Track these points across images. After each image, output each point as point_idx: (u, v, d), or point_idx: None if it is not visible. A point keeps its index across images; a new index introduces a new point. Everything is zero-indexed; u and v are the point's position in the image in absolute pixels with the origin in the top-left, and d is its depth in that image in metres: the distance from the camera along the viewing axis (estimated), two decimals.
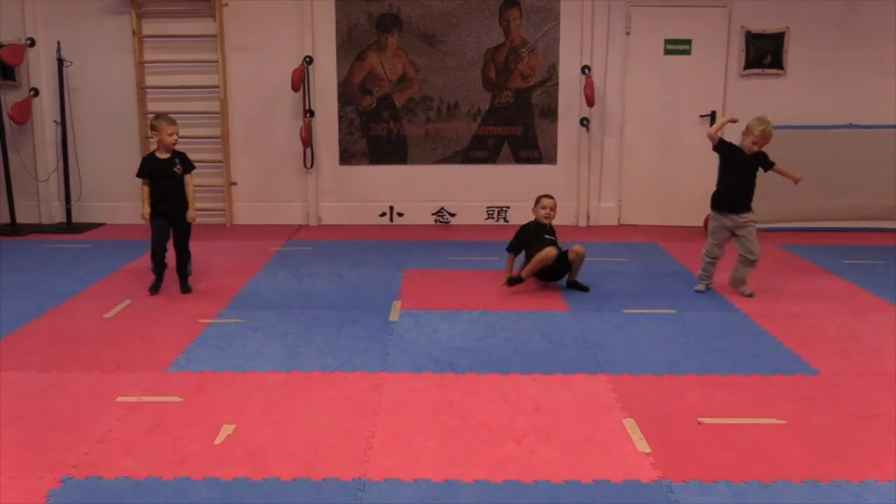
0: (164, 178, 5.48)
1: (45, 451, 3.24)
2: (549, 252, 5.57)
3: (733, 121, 5.66)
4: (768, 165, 5.59)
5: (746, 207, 5.56)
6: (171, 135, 5.47)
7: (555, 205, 5.88)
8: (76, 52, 7.97)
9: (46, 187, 8.28)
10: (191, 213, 5.61)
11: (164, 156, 5.51)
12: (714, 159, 8.17)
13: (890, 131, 7.99)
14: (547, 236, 5.80)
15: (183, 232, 5.62)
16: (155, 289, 5.59)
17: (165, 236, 5.56)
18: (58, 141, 8.11)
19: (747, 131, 5.50)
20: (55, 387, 3.91)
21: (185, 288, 5.63)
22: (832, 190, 7.97)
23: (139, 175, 5.54)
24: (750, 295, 5.54)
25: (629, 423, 3.51)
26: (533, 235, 5.81)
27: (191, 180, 5.62)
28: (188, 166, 5.61)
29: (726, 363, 4.27)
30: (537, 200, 5.92)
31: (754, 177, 5.58)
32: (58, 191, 8.25)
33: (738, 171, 5.55)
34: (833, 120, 8.04)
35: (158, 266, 5.58)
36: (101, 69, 8.05)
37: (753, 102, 8.04)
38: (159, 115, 5.59)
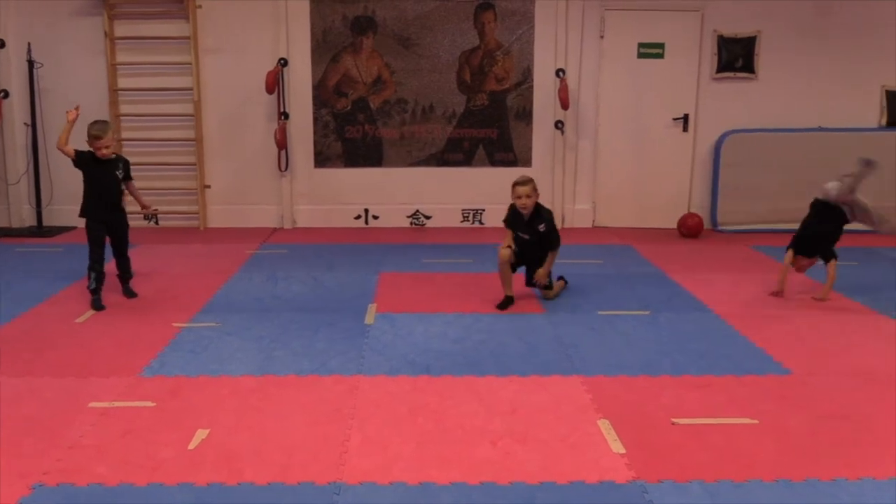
0: (104, 179, 5.30)
1: (16, 457, 3.19)
2: (502, 254, 5.35)
3: None
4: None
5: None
6: (98, 149, 5.20)
7: (531, 191, 5.28)
8: (47, 54, 7.89)
9: (17, 190, 8.17)
10: (147, 203, 5.56)
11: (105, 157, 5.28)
12: (686, 162, 8.29)
13: (859, 134, 8.11)
14: (521, 234, 5.41)
15: (122, 237, 5.49)
16: (98, 302, 5.28)
17: (104, 243, 5.38)
18: (28, 143, 8.01)
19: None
20: (26, 392, 3.86)
21: (130, 293, 5.55)
22: (802, 192, 7.99)
23: (77, 164, 5.28)
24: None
25: (604, 425, 3.53)
26: (513, 221, 5.47)
27: (133, 184, 5.52)
28: (128, 174, 5.45)
29: (700, 364, 4.31)
30: (513, 187, 5.39)
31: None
32: (28, 194, 8.15)
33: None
34: (803, 123, 8.15)
35: (99, 278, 5.32)
36: (72, 71, 7.96)
37: (725, 106, 8.16)
38: (93, 123, 5.25)
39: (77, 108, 5.40)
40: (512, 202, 5.42)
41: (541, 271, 5.38)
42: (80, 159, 5.30)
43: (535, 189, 5.32)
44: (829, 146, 8.04)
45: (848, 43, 8.08)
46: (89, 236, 5.38)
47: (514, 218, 5.46)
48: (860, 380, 4.09)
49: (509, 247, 5.36)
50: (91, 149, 5.26)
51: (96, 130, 5.21)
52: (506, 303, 5.37)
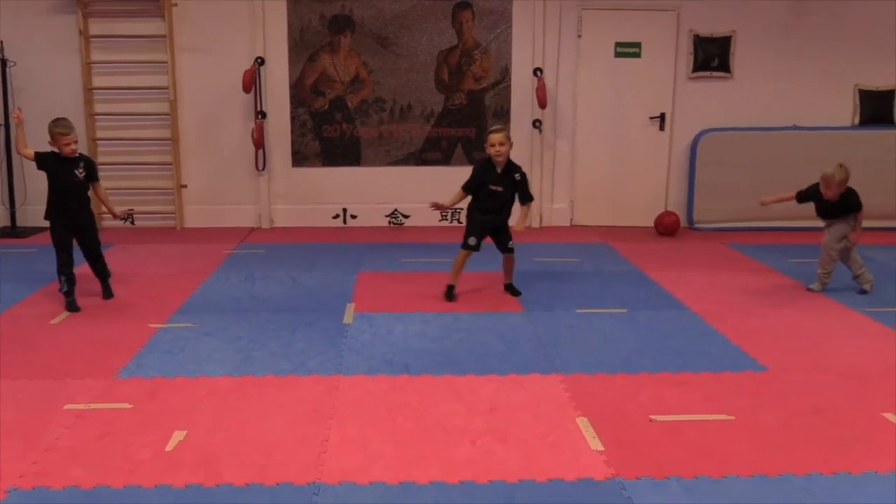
0: (65, 179, 5.14)
1: None
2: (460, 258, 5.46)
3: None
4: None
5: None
6: (67, 144, 5.07)
7: (505, 138, 5.27)
8: (20, 53, 7.79)
9: None
10: (116, 210, 5.45)
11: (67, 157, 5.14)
12: (663, 160, 8.35)
13: (833, 133, 8.21)
14: (493, 187, 5.34)
15: (92, 240, 5.35)
16: (73, 304, 5.22)
17: (70, 246, 5.24)
18: (1, 143, 7.92)
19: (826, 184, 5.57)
20: (1, 395, 3.81)
21: (109, 292, 5.50)
22: (777, 190, 8.10)
23: (39, 166, 5.16)
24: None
25: (582, 422, 3.55)
26: (483, 177, 5.38)
27: (101, 186, 5.36)
28: (93, 174, 5.27)
29: (678, 361, 4.34)
30: (486, 136, 5.38)
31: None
32: (1, 194, 8.05)
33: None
34: (778, 122, 8.24)
35: (69, 280, 5.22)
36: (46, 70, 7.87)
37: (701, 105, 8.23)
38: (56, 121, 5.11)
39: (19, 110, 5.26)
40: (481, 159, 5.43)
41: (520, 219, 5.44)
42: (42, 160, 5.16)
43: (508, 137, 5.31)
44: (803, 145, 8.14)
45: (822, 43, 8.17)
46: (54, 240, 5.23)
47: (485, 172, 5.39)
48: (834, 376, 4.14)
49: (472, 245, 5.41)
50: (54, 149, 5.13)
51: (62, 127, 5.08)
52: (450, 292, 5.46)
